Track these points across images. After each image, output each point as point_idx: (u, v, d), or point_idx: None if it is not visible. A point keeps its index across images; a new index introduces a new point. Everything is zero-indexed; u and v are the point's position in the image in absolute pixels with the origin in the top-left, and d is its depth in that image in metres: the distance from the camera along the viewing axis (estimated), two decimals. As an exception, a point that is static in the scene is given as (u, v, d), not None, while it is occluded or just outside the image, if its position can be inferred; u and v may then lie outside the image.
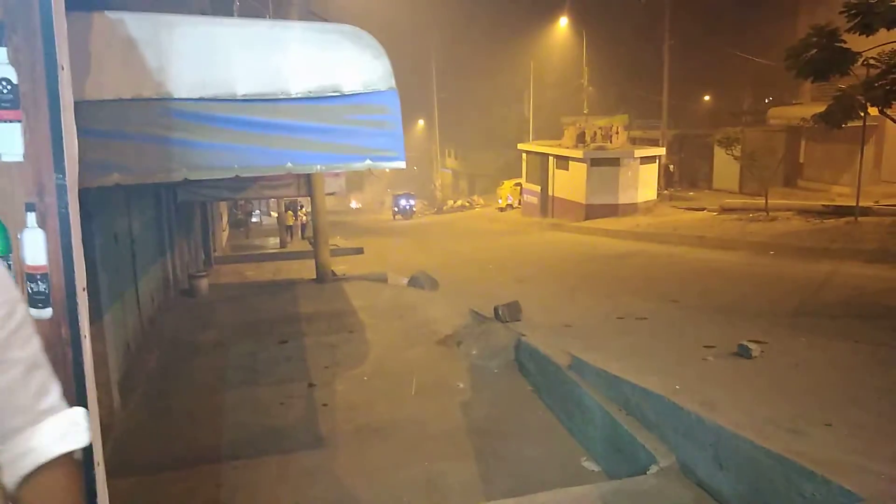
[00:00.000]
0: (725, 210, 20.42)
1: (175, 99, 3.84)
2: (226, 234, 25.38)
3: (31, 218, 1.94)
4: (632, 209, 23.82)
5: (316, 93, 4.04)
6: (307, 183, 13.78)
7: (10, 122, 1.91)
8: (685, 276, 12.37)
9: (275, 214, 32.37)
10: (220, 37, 4.01)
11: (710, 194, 27.01)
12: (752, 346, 5.61)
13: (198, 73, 3.89)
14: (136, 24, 3.79)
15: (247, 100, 3.95)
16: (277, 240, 25.53)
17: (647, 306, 9.19)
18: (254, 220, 34.01)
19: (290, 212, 26.13)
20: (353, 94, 4.13)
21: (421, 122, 54.51)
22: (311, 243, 17.10)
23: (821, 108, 14.36)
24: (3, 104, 1.90)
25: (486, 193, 43.97)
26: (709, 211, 21.36)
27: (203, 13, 12.46)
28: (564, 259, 16.42)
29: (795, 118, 19.87)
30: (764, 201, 18.40)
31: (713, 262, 13.64)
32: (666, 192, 27.77)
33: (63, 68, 1.95)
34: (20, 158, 1.92)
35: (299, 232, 27.48)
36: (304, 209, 28.45)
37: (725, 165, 25.56)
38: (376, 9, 32.01)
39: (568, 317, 8.51)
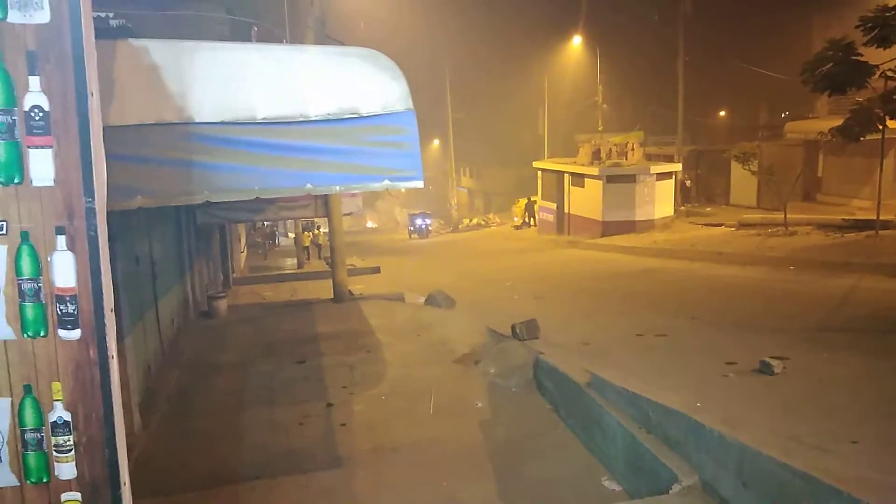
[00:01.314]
0: (744, 225, 20.26)
1: (196, 123, 3.90)
2: (244, 255, 25.56)
3: (61, 241, 1.99)
4: (649, 226, 23.71)
5: (335, 115, 4.09)
6: (324, 203, 13.89)
7: (42, 147, 1.96)
8: (704, 293, 12.28)
9: (292, 235, 32.54)
10: (241, 62, 4.09)
11: (728, 210, 26.82)
12: (773, 362, 5.56)
13: (218, 98, 3.95)
14: (158, 50, 3.87)
15: (267, 123, 4.00)
16: (295, 260, 25.66)
17: (666, 323, 9.13)
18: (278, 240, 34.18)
19: (306, 232, 26.28)
20: (371, 116, 4.17)
21: (436, 142, 54.76)
22: (328, 263, 17.18)
23: (838, 122, 14.30)
24: (35, 130, 1.96)
25: (502, 211, 44.00)
26: (727, 226, 21.19)
27: (222, 38, 12.67)
28: (582, 276, 16.36)
29: (813, 132, 19.75)
30: (783, 216, 18.25)
31: (732, 278, 13.53)
32: (683, 207, 27.62)
33: (92, 95, 2.00)
34: (51, 183, 1.97)
35: (317, 252, 27.59)
36: (320, 230, 28.59)
37: (743, 180, 25.38)
38: (392, 30, 32.36)
39: (586, 334, 8.47)
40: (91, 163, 1.99)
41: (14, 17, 1.97)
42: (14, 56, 1.96)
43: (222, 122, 3.94)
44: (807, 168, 24.07)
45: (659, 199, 24.47)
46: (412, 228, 40.50)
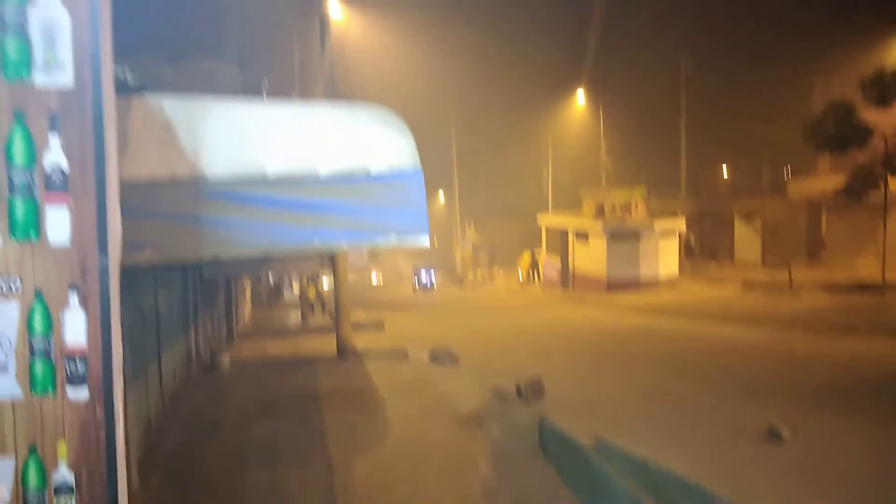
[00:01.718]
0: (749, 284, 20.23)
1: (208, 179, 3.94)
2: (249, 308, 25.51)
3: (74, 298, 1.99)
4: (654, 283, 23.66)
5: (344, 173, 4.13)
6: (330, 257, 13.94)
7: (60, 205, 1.98)
8: (711, 353, 12.16)
9: (296, 287, 32.50)
10: (253, 119, 4.16)
11: (733, 267, 26.80)
12: (781, 427, 5.47)
13: (230, 154, 4.01)
14: (172, 106, 3.95)
15: (277, 179, 4.04)
16: (299, 314, 25.59)
17: (673, 384, 9.03)
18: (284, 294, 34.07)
19: (311, 285, 26.28)
20: (379, 174, 4.22)
21: (441, 197, 55.30)
22: (331, 318, 17.12)
23: (839, 180, 14.45)
24: (53, 189, 1.98)
25: (507, 265, 44.04)
26: (732, 285, 21.17)
27: (234, 92, 12.93)
28: (587, 334, 16.25)
29: (815, 191, 19.91)
30: (787, 275, 18.23)
31: (738, 339, 13.42)
32: (687, 264, 27.61)
33: (111, 154, 2.04)
34: (67, 241, 1.99)
35: (320, 306, 27.54)
36: (324, 283, 28.59)
37: (747, 238, 25.47)
38: (398, 84, 33.13)
39: (592, 395, 8.37)
40: (106, 221, 2.01)
41: (38, 78, 2.01)
42: (36, 116, 2.00)
43: (233, 179, 3.98)
44: (810, 227, 24.17)
45: (663, 255, 24.49)
46: (417, 283, 40.54)
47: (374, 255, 55.90)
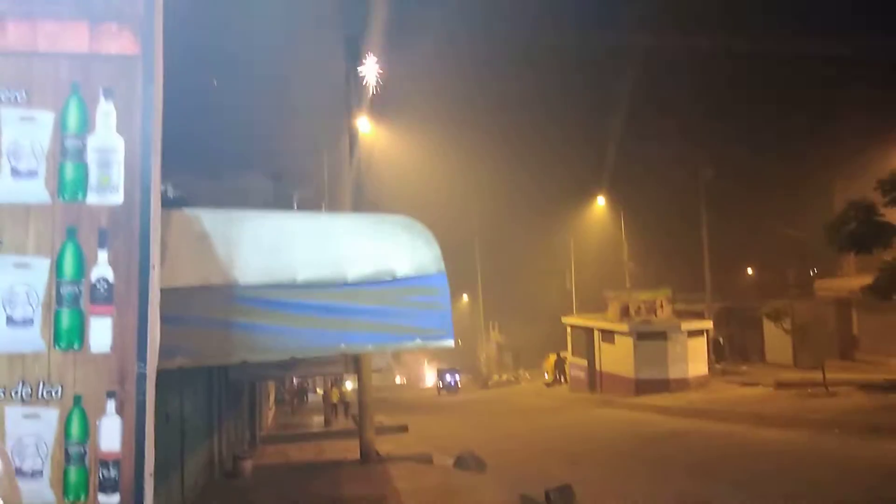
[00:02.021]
0: (782, 385, 19.67)
1: (240, 285, 4.07)
2: (272, 412, 25.29)
3: (111, 405, 2.07)
4: (683, 384, 23.09)
5: (371, 278, 4.25)
6: (354, 359, 13.91)
7: (103, 316, 2.10)
8: (747, 457, 11.71)
9: (320, 391, 32.20)
10: (286, 229, 4.35)
11: (764, 368, 26.15)
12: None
13: (262, 262, 4.16)
14: (209, 218, 4.14)
15: (306, 285, 4.16)
16: (322, 417, 25.26)
17: (708, 490, 8.69)
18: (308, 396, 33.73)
19: (334, 388, 26.07)
20: (405, 278, 4.33)
21: (465, 298, 55.38)
22: (355, 422, 16.90)
23: (867, 280, 14.30)
24: (98, 300, 2.11)
25: (532, 367, 43.39)
26: (764, 386, 20.59)
27: (266, 202, 13.44)
28: (617, 438, 15.78)
29: (843, 290, 19.69)
30: (821, 375, 17.73)
31: (775, 443, 12.94)
32: (718, 365, 27.00)
33: (154, 268, 2.17)
34: (107, 349, 2.09)
35: (343, 409, 27.20)
36: (348, 387, 28.34)
37: (777, 338, 24.97)
38: (423, 191, 34.05)
39: (624, 502, 8.06)
40: (147, 330, 2.12)
41: (92, 198, 2.19)
42: (87, 233, 2.16)
43: (264, 285, 4.11)
44: (841, 326, 23.72)
45: (692, 356, 24.03)
46: (441, 384, 40.02)
47: (398, 357, 55.46)
